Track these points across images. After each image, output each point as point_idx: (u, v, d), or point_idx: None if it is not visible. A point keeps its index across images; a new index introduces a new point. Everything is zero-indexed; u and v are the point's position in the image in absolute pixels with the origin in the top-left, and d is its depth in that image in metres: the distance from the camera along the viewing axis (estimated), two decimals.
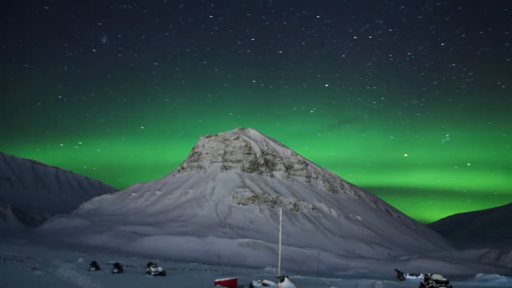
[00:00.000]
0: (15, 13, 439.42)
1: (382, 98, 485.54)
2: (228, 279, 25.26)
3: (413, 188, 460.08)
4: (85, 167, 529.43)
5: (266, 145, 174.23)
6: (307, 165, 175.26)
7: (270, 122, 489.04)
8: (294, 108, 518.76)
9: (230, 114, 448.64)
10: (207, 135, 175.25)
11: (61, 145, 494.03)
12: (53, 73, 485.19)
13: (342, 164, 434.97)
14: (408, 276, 52.42)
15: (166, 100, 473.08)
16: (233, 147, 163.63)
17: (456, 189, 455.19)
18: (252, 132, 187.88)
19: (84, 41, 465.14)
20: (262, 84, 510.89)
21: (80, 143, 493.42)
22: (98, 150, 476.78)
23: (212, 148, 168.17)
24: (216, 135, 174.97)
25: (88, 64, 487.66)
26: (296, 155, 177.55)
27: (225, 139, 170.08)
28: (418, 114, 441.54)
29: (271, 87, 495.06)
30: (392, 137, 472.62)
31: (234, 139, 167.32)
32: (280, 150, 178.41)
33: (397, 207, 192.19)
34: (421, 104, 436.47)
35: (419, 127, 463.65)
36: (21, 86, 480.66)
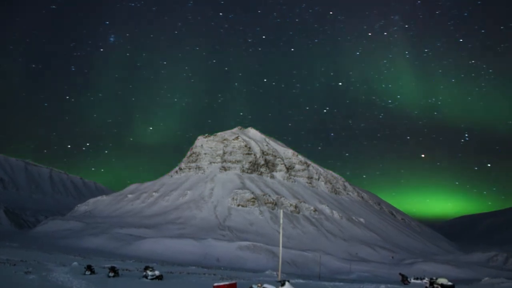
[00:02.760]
0: (22, 13, 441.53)
1: (398, 96, 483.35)
2: (227, 283, 25.27)
3: (430, 190, 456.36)
4: (93, 168, 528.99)
5: (266, 145, 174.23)
6: (308, 165, 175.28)
7: (282, 122, 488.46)
8: (307, 108, 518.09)
9: (241, 114, 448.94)
10: (206, 134, 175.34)
11: (68, 146, 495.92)
12: (60, 73, 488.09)
13: (356, 165, 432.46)
14: (412, 280, 52.39)
15: (175, 100, 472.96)
16: (233, 147, 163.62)
17: (476, 191, 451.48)
18: (252, 131, 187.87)
19: (92, 40, 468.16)
20: (273, 83, 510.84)
21: (87, 144, 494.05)
22: (105, 152, 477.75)
23: (211, 148, 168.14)
24: (215, 135, 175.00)
25: (96, 63, 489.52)
26: (297, 155, 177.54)
27: (224, 139, 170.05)
28: (435, 113, 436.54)
29: (283, 86, 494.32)
30: (408, 137, 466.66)
31: (233, 139, 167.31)
32: (281, 150, 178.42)
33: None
34: (439, 103, 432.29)
35: (436, 126, 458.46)
36: (28, 86, 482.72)
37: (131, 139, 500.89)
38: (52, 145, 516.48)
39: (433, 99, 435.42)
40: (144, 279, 31.80)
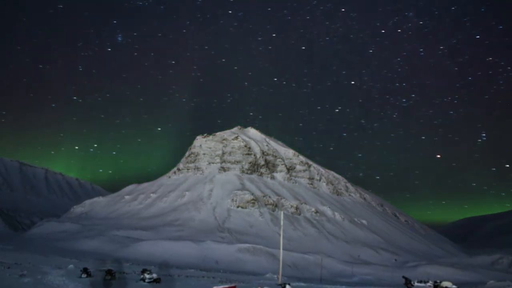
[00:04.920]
0: (29, 13, 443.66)
1: (413, 95, 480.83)
2: (226, 286, 25.29)
3: (446, 191, 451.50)
4: (100, 170, 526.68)
5: (267, 145, 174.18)
6: (309, 166, 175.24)
7: (293, 122, 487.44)
8: (318, 107, 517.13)
9: (251, 114, 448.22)
10: (205, 134, 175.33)
11: (76, 147, 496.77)
12: (67, 74, 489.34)
13: (369, 166, 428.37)
14: (416, 283, 52.38)
15: (184, 100, 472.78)
16: (232, 148, 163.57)
17: (493, 192, 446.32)
18: (252, 131, 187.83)
19: (99, 40, 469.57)
20: (284, 82, 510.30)
21: (95, 145, 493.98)
22: (113, 153, 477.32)
23: (210, 148, 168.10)
24: (214, 134, 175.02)
25: (103, 63, 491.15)
26: (298, 155, 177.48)
27: (224, 139, 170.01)
28: (451, 112, 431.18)
29: (293, 85, 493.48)
30: (423, 137, 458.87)
31: (233, 139, 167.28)
32: (281, 150, 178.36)
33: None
34: (455, 102, 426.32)
35: (452, 126, 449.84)
36: (35, 87, 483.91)
37: (139, 140, 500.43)
38: (59, 146, 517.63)
39: (449, 98, 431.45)
40: (142, 282, 31.81)
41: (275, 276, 54.23)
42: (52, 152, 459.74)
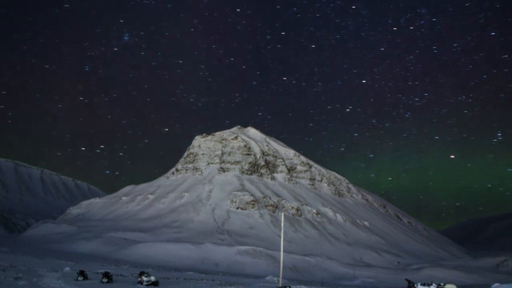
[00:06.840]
0: (35, 12, 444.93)
1: (426, 94, 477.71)
2: None
3: (461, 192, 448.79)
4: (107, 171, 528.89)
5: (267, 145, 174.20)
6: (310, 167, 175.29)
7: (303, 122, 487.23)
8: (329, 107, 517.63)
9: (260, 114, 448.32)
10: (204, 134, 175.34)
11: (83, 149, 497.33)
12: (74, 74, 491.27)
13: (381, 166, 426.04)
14: (419, 286, 52.32)
15: (191, 100, 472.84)
16: (231, 148, 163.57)
17: (509, 193, 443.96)
18: (252, 131, 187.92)
19: (106, 40, 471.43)
20: (293, 82, 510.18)
21: (102, 146, 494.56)
22: (120, 154, 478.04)
23: (209, 148, 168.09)
24: (213, 134, 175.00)
25: (110, 63, 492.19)
26: (299, 156, 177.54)
27: (223, 139, 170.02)
28: (465, 111, 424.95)
29: (303, 84, 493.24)
30: (437, 137, 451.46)
31: (232, 139, 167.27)
32: (282, 150, 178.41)
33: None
34: (469, 101, 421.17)
35: (467, 125, 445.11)
36: (41, 87, 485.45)
37: (146, 140, 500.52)
38: (65, 147, 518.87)
39: (463, 97, 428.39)
40: (139, 285, 31.78)
41: (276, 279, 54.22)
42: (59, 153, 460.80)
